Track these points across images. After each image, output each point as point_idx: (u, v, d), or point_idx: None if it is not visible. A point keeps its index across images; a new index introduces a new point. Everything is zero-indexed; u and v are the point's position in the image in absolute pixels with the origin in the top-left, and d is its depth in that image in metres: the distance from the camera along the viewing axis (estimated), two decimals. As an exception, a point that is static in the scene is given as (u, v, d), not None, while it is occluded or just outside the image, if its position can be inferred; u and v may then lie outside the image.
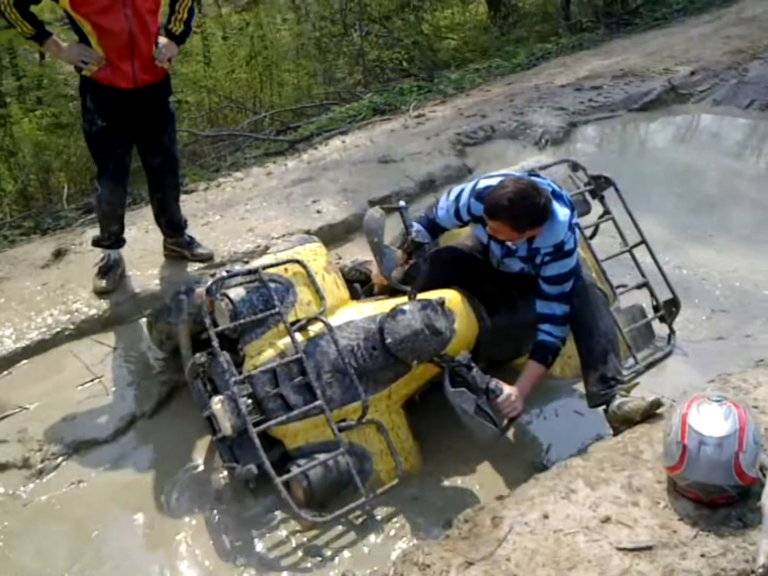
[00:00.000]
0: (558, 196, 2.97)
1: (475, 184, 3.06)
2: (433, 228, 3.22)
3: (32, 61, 9.59)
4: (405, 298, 2.94)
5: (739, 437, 2.26)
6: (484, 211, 2.89)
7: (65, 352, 3.53)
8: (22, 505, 2.83)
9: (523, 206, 2.78)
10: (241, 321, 2.83)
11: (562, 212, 2.91)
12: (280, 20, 11.86)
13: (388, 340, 2.81)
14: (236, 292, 2.90)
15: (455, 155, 5.60)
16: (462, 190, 3.11)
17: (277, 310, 2.86)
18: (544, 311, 3.03)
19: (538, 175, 3.13)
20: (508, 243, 3.02)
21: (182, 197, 4.81)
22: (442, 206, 3.19)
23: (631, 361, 3.44)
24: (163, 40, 3.55)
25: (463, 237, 3.36)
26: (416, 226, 3.12)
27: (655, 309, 3.73)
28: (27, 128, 8.17)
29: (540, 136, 6.01)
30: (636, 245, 3.79)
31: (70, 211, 6.54)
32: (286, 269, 3.01)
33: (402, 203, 3.07)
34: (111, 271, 3.85)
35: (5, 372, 3.42)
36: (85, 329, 3.64)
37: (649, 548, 2.23)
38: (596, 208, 3.82)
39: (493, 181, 2.96)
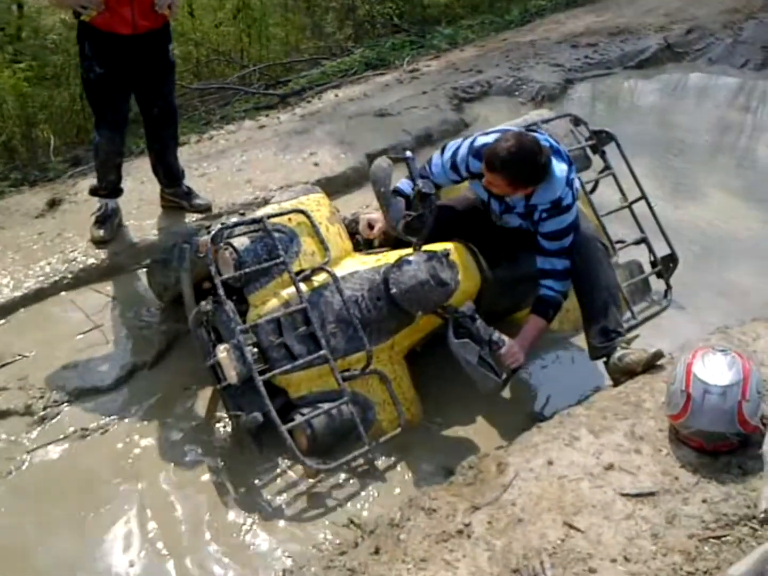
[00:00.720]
0: (556, 152, 2.96)
1: (473, 141, 3.03)
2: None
3: (10, 13, 9.36)
4: (408, 249, 2.94)
5: (743, 386, 2.30)
6: (483, 162, 2.86)
7: (64, 300, 3.51)
8: (25, 452, 2.83)
9: (524, 162, 2.77)
10: (246, 270, 2.82)
11: (559, 168, 2.90)
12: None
13: (393, 290, 2.81)
14: (240, 241, 2.88)
15: (452, 110, 5.56)
16: (458, 147, 3.08)
17: (281, 259, 2.85)
18: (544, 266, 3.04)
19: (536, 131, 3.12)
20: (506, 199, 3.02)
21: (176, 149, 4.77)
22: (436, 162, 3.16)
23: (628, 314, 3.46)
24: None
25: (464, 190, 3.35)
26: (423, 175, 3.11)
27: (653, 264, 3.75)
28: (10, 80, 8.01)
29: (536, 92, 5.97)
30: (636, 200, 3.80)
31: (58, 163, 6.46)
32: (290, 219, 2.99)
33: (409, 153, 3.05)
34: (108, 221, 3.82)
35: (3, 320, 3.40)
36: (83, 278, 3.62)
37: (651, 494, 2.27)
38: (597, 163, 3.82)
39: (491, 138, 2.93)
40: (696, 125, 5.85)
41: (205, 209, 4.04)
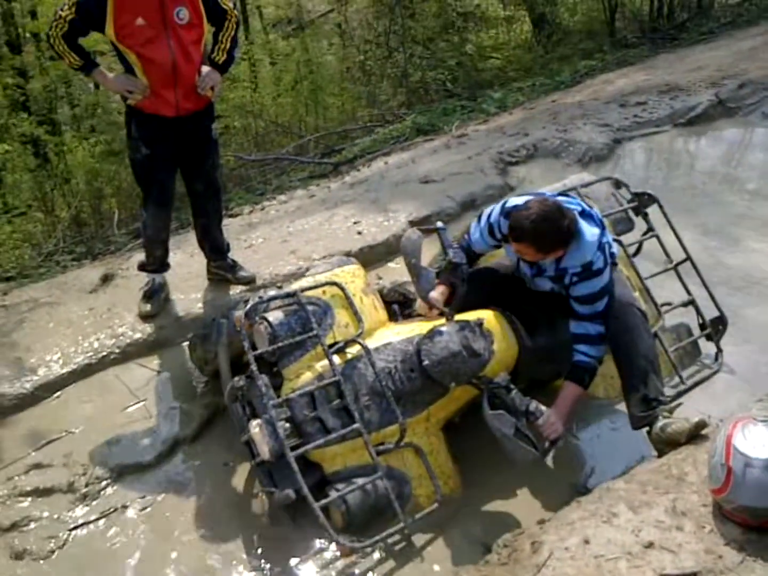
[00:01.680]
0: (587, 216, 2.94)
1: (505, 203, 3.05)
2: (468, 255, 3.19)
3: (87, 90, 9.88)
4: (443, 320, 2.93)
5: (787, 459, 2.19)
6: (508, 232, 2.89)
7: (110, 376, 3.58)
8: (67, 530, 2.87)
9: (546, 229, 2.76)
10: (280, 344, 2.84)
11: (590, 232, 2.88)
12: (325, 45, 12.02)
13: (426, 362, 2.79)
14: (275, 315, 2.91)
15: (497, 174, 5.58)
16: (492, 210, 3.11)
17: (315, 332, 2.87)
18: (577, 331, 3.00)
19: (567, 195, 3.10)
20: (538, 262, 3.00)
21: (227, 221, 4.92)
22: (473, 231, 3.18)
23: (676, 380, 3.36)
24: (205, 68, 3.62)
25: (500, 257, 3.34)
26: (454, 246, 3.11)
27: (702, 327, 3.65)
28: (80, 156, 8.41)
29: (583, 153, 5.95)
30: (681, 262, 3.71)
31: (121, 236, 6.71)
32: (324, 291, 3.01)
33: (440, 224, 3.07)
34: (156, 295, 3.92)
35: (53, 396, 3.49)
36: (130, 353, 3.70)
37: (694, 575, 2.17)
38: (640, 225, 3.77)
39: (522, 200, 2.94)
40: (749, 182, 5.73)
41: (249, 281, 4.11)
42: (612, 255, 3.02)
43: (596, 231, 2.90)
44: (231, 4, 3.62)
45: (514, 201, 3.01)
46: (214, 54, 3.67)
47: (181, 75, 3.50)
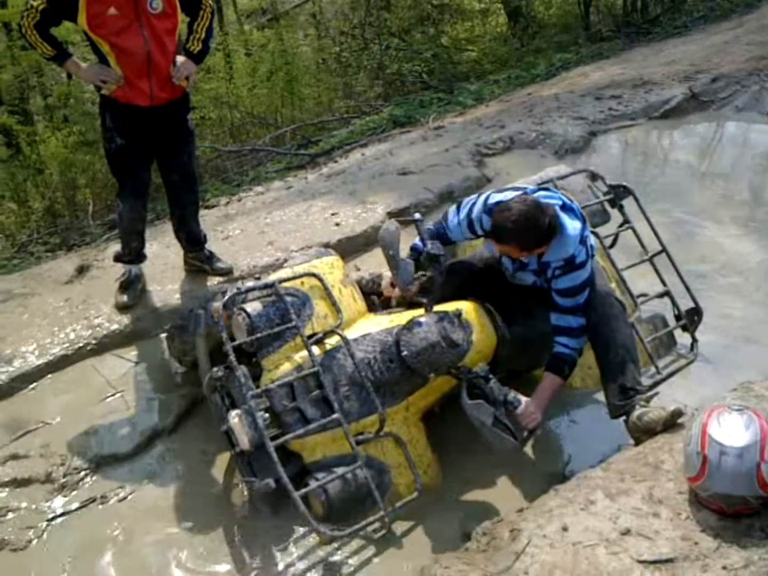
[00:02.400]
0: (569, 209, 2.96)
1: (486, 199, 3.05)
2: (442, 240, 3.17)
3: (59, 80, 9.76)
4: (422, 310, 2.94)
5: (761, 447, 2.23)
6: (491, 234, 2.91)
7: (87, 367, 3.55)
8: (45, 520, 2.85)
9: (528, 228, 2.78)
10: (258, 335, 2.84)
11: (572, 226, 2.89)
12: (301, 36, 11.97)
13: (405, 353, 2.80)
14: (253, 306, 2.91)
15: (474, 166, 5.59)
16: (473, 204, 3.10)
17: (293, 323, 2.87)
18: (559, 323, 3.02)
19: (548, 189, 3.12)
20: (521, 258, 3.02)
21: (204, 212, 4.88)
22: (452, 220, 3.17)
23: (652, 370, 3.40)
24: (180, 58, 3.59)
25: (479, 248, 3.36)
26: (433, 232, 3.12)
27: (677, 318, 3.69)
28: (53, 146, 8.31)
29: (559, 146, 5.99)
30: (656, 254, 3.75)
31: (96, 227, 6.65)
32: (302, 282, 3.01)
33: (417, 215, 3.08)
34: (132, 286, 3.89)
35: (29, 387, 3.46)
36: (106, 344, 3.67)
37: (670, 561, 2.20)
38: (615, 218, 3.80)
39: (504, 196, 2.96)
40: (722, 174, 5.81)
41: (227, 273, 4.10)
42: (592, 247, 3.05)
43: (578, 225, 2.92)
44: None
45: (495, 197, 3.01)
46: (189, 44, 3.63)
47: (156, 65, 3.46)
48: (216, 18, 3.76)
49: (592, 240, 3.10)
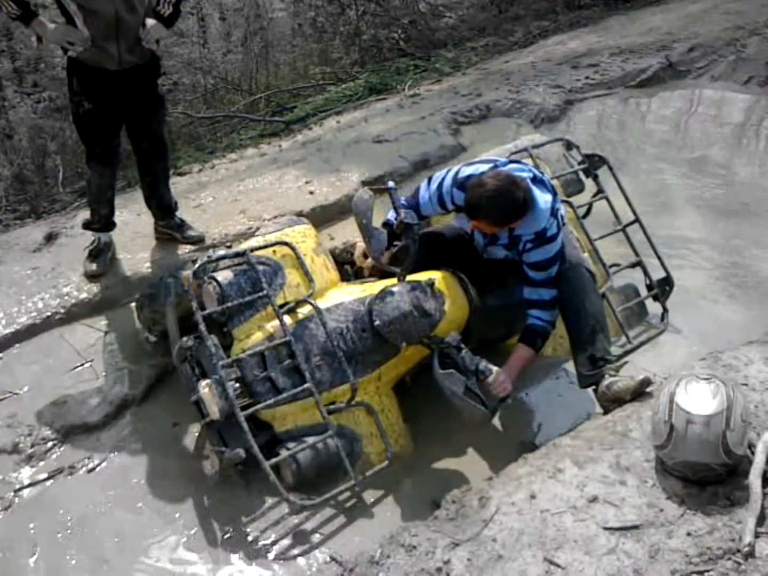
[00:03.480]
0: (539, 182, 2.94)
1: (457, 172, 3.02)
2: (415, 213, 3.15)
3: (29, 44, 9.54)
4: (394, 280, 2.93)
5: (727, 415, 2.25)
6: (464, 209, 2.89)
7: (55, 336, 3.51)
8: (12, 491, 2.84)
9: (502, 204, 2.76)
10: (229, 304, 2.82)
11: (543, 199, 2.88)
12: (276, 1, 11.76)
13: (377, 322, 2.79)
14: (224, 275, 2.88)
15: (450, 134, 5.54)
16: (443, 178, 3.07)
17: (265, 292, 2.85)
18: (531, 297, 3.03)
19: (518, 161, 3.10)
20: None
21: (175, 179, 4.82)
22: (423, 195, 3.14)
23: (623, 339, 3.42)
24: (150, 21, 3.49)
25: (452, 218, 3.34)
26: (406, 205, 3.10)
27: (649, 288, 3.71)
28: (23, 112, 8.15)
29: (536, 114, 5.96)
30: (629, 224, 3.75)
31: (66, 194, 6.54)
32: (274, 251, 2.99)
33: (391, 184, 3.05)
34: (101, 255, 3.83)
35: (-4, 357, 3.42)
36: (75, 313, 3.62)
37: (635, 527, 2.23)
38: (590, 187, 3.80)
39: (475, 169, 2.94)
40: (698, 143, 5.82)
41: (198, 241, 4.05)
42: (562, 218, 3.04)
43: (549, 197, 2.91)
44: None
45: (465, 171, 2.99)
46: (160, 7, 3.52)
47: (124, 27, 3.37)
48: None
49: (562, 211, 3.09)
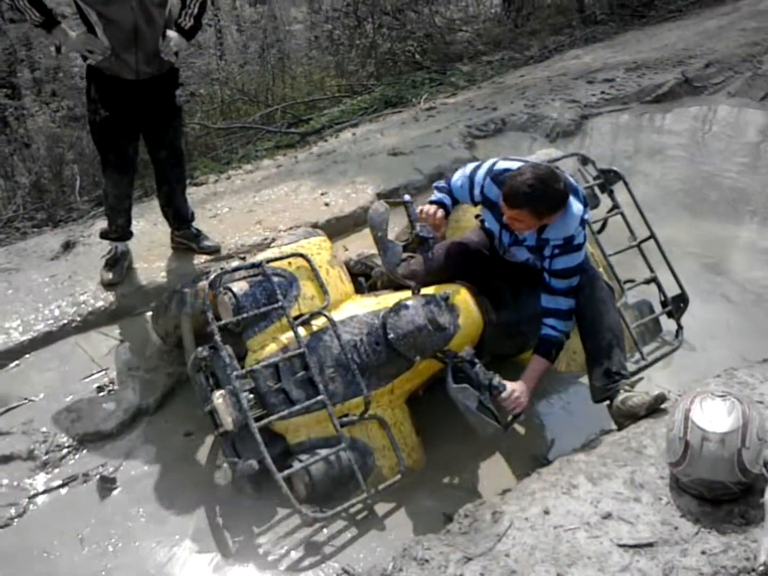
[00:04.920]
0: (574, 191, 2.93)
1: (493, 164, 2.99)
2: (451, 195, 3.14)
3: (48, 54, 9.63)
4: (409, 293, 2.93)
5: (743, 433, 2.24)
6: (503, 198, 2.80)
7: (71, 344, 3.53)
8: (27, 497, 2.85)
9: (545, 192, 2.72)
10: (244, 315, 2.83)
11: (576, 206, 2.88)
12: (293, 13, 11.85)
13: (391, 336, 2.80)
14: (239, 286, 2.90)
15: (465, 148, 5.57)
16: (478, 167, 3.05)
17: (280, 304, 2.86)
18: (549, 306, 3.01)
19: (556, 167, 3.09)
20: (518, 232, 2.97)
21: (192, 189, 4.85)
22: (456, 179, 3.11)
23: (637, 355, 3.41)
24: (171, 33, 3.53)
25: (468, 232, 3.35)
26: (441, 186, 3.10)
27: (663, 304, 3.70)
28: (41, 121, 8.22)
29: (551, 129, 5.97)
30: (645, 240, 3.76)
31: (83, 203, 6.59)
32: (289, 263, 3.00)
33: (407, 197, 3.05)
34: (118, 264, 3.86)
35: (12, 364, 3.43)
36: (92, 321, 3.64)
37: (649, 545, 2.21)
38: (605, 202, 3.80)
39: (512, 165, 2.91)
40: (713, 160, 5.80)
41: (214, 251, 4.07)
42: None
43: (581, 206, 2.90)
44: None
45: (502, 164, 2.96)
46: (181, 19, 3.56)
47: (143, 38, 3.41)
48: None
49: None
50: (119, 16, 3.32)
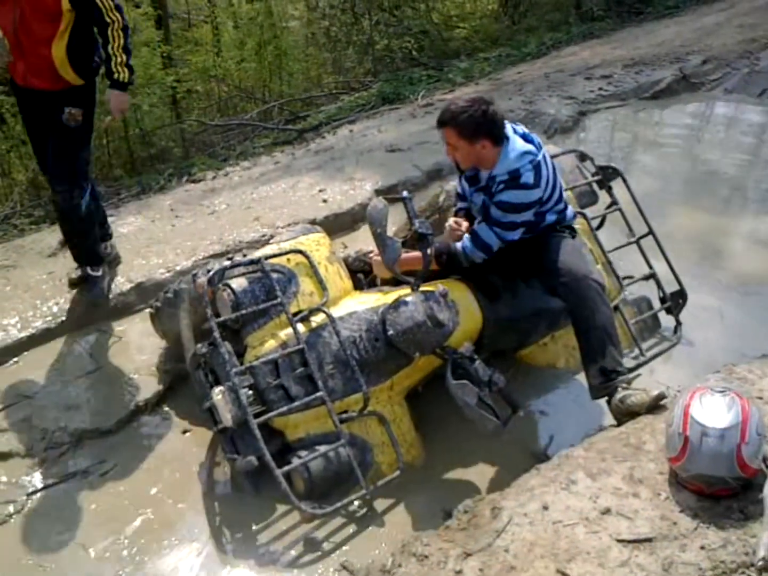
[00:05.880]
0: (523, 136, 3.01)
1: None
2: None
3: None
4: (408, 289, 2.93)
5: (742, 429, 2.24)
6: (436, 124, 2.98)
7: (70, 341, 3.53)
8: (25, 494, 2.84)
9: (469, 112, 2.85)
10: (243, 311, 2.82)
11: (520, 143, 2.95)
12: (290, 9, 11.82)
13: (390, 332, 2.79)
14: (238, 282, 2.89)
15: (463, 144, 5.55)
16: None
17: (279, 300, 2.85)
18: (480, 231, 3.03)
19: (515, 123, 3.15)
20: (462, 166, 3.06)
21: (190, 186, 4.87)
22: (460, 181, 3.27)
23: (636, 351, 3.42)
24: (111, 92, 3.45)
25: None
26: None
27: (662, 300, 3.70)
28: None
29: (549, 125, 5.96)
30: (643, 236, 3.76)
31: (80, 200, 6.57)
32: (288, 259, 2.99)
33: (405, 193, 3.05)
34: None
35: (11, 361, 3.44)
36: (89, 318, 3.64)
37: (648, 540, 2.21)
38: (604, 199, 3.80)
39: None
40: (711, 156, 5.81)
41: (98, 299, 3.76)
42: (549, 184, 3.01)
43: (530, 147, 2.96)
44: (116, 13, 3.31)
45: None
46: (114, 72, 3.40)
47: (24, 48, 3.32)
48: (131, 32, 3.44)
49: (544, 171, 3.01)
50: (3, 22, 3.29)
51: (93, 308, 3.69)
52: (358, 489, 2.72)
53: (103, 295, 3.73)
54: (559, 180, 3.11)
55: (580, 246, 3.23)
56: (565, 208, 3.14)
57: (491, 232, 3.00)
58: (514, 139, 2.95)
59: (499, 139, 2.92)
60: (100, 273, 3.76)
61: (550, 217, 3.08)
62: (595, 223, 3.67)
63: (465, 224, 3.19)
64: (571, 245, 3.09)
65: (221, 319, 2.81)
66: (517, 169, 2.91)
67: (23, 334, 3.50)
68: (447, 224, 3.23)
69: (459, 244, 3.05)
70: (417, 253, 2.98)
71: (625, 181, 3.80)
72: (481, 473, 2.95)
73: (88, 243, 3.71)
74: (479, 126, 2.87)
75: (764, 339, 3.55)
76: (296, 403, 2.75)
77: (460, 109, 2.86)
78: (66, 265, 3.99)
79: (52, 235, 4.46)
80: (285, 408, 2.73)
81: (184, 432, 3.15)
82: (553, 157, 3.70)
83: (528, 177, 2.92)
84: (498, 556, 2.21)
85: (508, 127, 2.99)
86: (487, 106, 2.86)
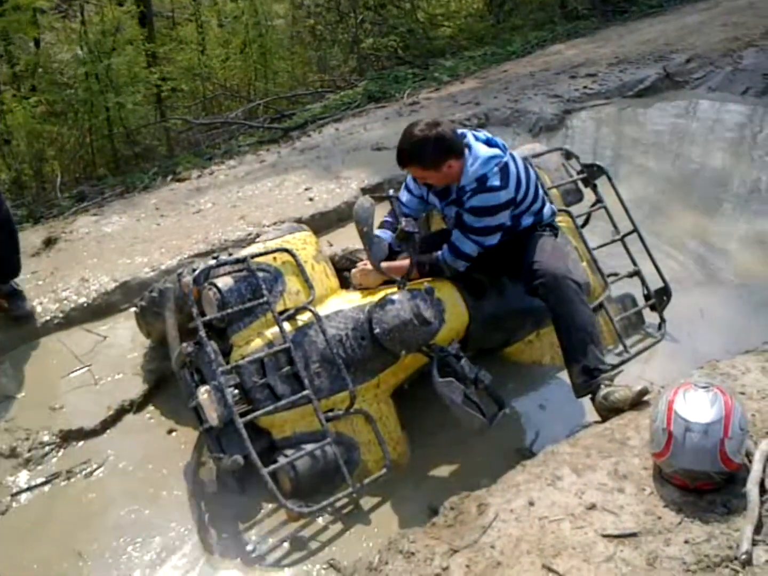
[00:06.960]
0: (486, 141, 3.01)
1: None
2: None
3: (27, 49, 9.53)
4: (394, 288, 2.93)
5: (725, 424, 2.25)
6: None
7: (54, 340, 3.52)
8: (9, 495, 2.83)
9: (424, 143, 2.84)
10: (229, 310, 2.82)
11: (484, 149, 2.94)
12: (275, 8, 11.79)
13: (377, 330, 2.80)
14: (224, 281, 2.88)
15: (448, 143, 5.56)
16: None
17: (265, 299, 2.85)
18: (455, 241, 3.04)
19: (477, 130, 3.14)
20: (436, 186, 3.07)
21: (175, 185, 4.85)
22: (402, 194, 3.24)
23: (620, 348, 3.43)
24: None
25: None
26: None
27: (646, 297, 3.72)
28: (21, 116, 8.14)
29: (534, 123, 5.98)
30: (628, 234, 3.77)
31: (64, 199, 6.54)
32: (275, 258, 2.99)
33: (392, 191, 3.06)
34: None
35: (-5, 361, 3.42)
36: (74, 318, 3.63)
37: (633, 535, 2.22)
38: (589, 197, 3.81)
39: None
40: (695, 153, 5.85)
41: (23, 319, 3.61)
42: (519, 184, 3.00)
43: (494, 151, 2.95)
44: None
45: None
46: None
47: None
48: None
49: (514, 169, 3.01)
50: None
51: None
52: (344, 487, 2.72)
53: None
54: (533, 178, 3.10)
55: (561, 245, 3.24)
56: (543, 206, 3.14)
57: (467, 239, 3.01)
58: (476, 146, 2.94)
59: (461, 151, 2.91)
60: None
61: (527, 220, 3.09)
62: (580, 221, 3.68)
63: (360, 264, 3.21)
64: (551, 245, 3.09)
65: (207, 318, 2.80)
66: (484, 174, 2.91)
67: (7, 334, 3.48)
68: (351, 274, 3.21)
69: (439, 254, 3.06)
70: (401, 262, 3.01)
71: (610, 179, 3.82)
72: (467, 470, 2.96)
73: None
74: (439, 152, 2.87)
75: (747, 335, 3.58)
76: (282, 402, 2.74)
77: (415, 145, 2.85)
78: (50, 264, 3.99)
79: (36, 235, 4.44)
80: (271, 407, 2.73)
81: (170, 431, 3.14)
82: (539, 155, 3.75)
83: (494, 179, 2.92)
84: (484, 552, 2.22)
85: (469, 135, 2.98)
86: (437, 128, 2.85)
